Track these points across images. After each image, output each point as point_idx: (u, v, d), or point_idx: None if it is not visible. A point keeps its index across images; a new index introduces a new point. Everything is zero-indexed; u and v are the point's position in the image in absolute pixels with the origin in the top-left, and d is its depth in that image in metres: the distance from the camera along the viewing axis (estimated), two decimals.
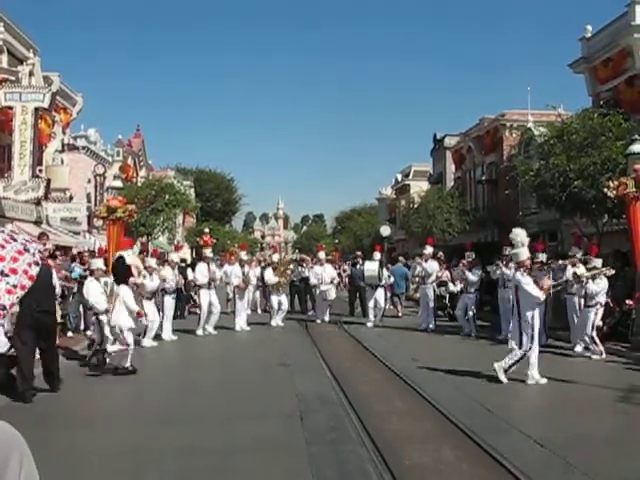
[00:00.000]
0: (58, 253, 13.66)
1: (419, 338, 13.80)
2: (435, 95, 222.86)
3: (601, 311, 10.92)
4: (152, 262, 12.92)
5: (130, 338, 9.36)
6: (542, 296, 8.47)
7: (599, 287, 10.77)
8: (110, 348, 9.17)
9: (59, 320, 10.18)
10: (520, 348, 8.31)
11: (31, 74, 21.03)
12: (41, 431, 5.89)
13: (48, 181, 20.02)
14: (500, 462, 4.94)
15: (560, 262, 12.05)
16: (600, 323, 11.05)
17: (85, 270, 12.81)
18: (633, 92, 17.52)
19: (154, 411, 6.99)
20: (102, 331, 9.48)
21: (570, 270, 11.38)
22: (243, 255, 16.50)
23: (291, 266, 18.45)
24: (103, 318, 9.42)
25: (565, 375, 8.76)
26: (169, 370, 10.44)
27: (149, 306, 11.91)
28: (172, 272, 13.90)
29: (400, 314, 17.93)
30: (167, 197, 28.91)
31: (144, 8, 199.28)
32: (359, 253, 20.97)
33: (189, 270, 16.51)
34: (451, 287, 15.89)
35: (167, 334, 13.13)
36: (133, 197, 23.85)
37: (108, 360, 9.19)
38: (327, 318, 16.54)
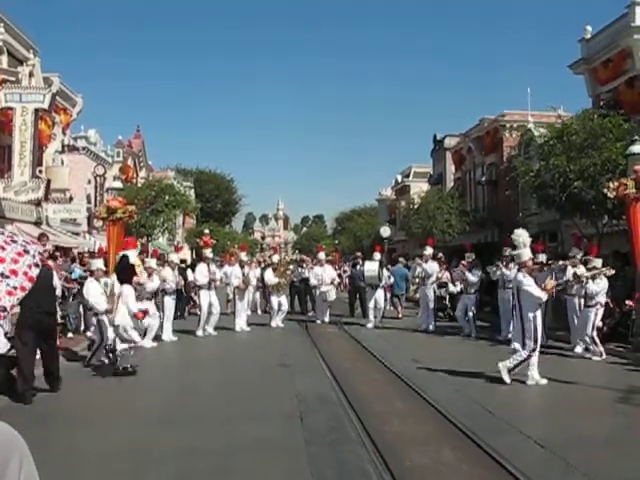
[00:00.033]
0: (58, 254, 13.68)
1: (419, 339, 13.80)
2: (435, 95, 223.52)
3: (601, 311, 10.93)
4: (152, 263, 12.95)
5: (135, 335, 9.38)
6: (544, 296, 8.45)
7: (599, 287, 10.77)
8: (120, 346, 9.15)
9: (59, 321, 10.19)
10: (524, 349, 8.31)
11: (31, 75, 21.05)
12: (41, 431, 5.90)
13: (48, 182, 20.02)
14: (500, 463, 4.94)
15: (560, 263, 12.05)
16: (600, 324, 11.07)
17: (85, 271, 12.83)
18: (633, 93, 17.53)
19: (154, 411, 6.98)
20: (102, 331, 9.49)
21: (570, 271, 11.39)
22: (243, 256, 16.52)
23: (291, 267, 18.47)
24: (104, 318, 9.43)
25: (565, 376, 8.75)
26: (169, 371, 10.43)
27: (149, 307, 11.91)
28: (172, 273, 13.92)
29: (400, 315, 17.93)
30: (167, 198, 28.87)
31: (144, 8, 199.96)
32: (359, 254, 20.93)
33: (189, 271, 16.54)
34: (451, 288, 15.90)
35: (167, 335, 13.14)
36: (133, 198, 23.81)
37: (119, 359, 9.14)
38: (327, 319, 16.54)
